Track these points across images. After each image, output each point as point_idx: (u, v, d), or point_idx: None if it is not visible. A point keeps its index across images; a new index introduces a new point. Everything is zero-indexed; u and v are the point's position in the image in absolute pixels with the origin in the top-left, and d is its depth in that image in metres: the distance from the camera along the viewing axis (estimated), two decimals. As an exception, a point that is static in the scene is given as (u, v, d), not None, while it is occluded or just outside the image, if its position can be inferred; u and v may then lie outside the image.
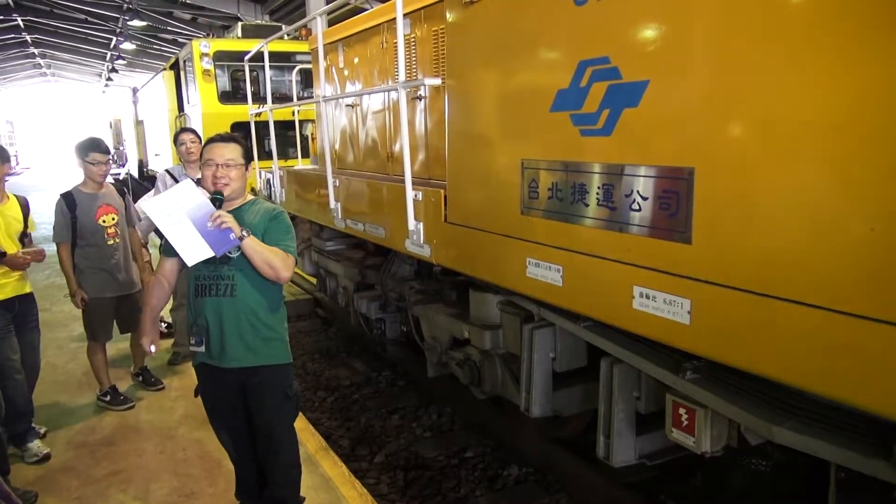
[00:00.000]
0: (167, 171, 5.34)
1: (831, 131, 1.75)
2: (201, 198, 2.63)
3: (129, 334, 4.82)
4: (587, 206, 2.55)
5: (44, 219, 4.50)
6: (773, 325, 1.91)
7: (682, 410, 2.49)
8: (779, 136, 1.87)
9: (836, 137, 1.74)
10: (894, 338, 1.62)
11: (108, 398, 4.61)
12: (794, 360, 1.88)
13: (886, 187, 1.63)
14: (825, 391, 1.85)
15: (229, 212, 2.69)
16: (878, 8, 1.64)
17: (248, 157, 2.85)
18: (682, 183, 2.13)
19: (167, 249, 2.77)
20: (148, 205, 2.67)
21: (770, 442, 2.28)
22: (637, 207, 2.32)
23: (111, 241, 4.41)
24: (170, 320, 6.48)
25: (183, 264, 2.72)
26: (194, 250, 2.60)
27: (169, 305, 6.05)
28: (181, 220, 2.60)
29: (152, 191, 5.49)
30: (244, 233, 2.59)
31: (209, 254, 2.60)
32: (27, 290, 3.97)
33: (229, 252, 2.65)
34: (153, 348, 2.86)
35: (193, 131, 5.27)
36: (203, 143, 2.81)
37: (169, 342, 6.13)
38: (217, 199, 2.65)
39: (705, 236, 2.09)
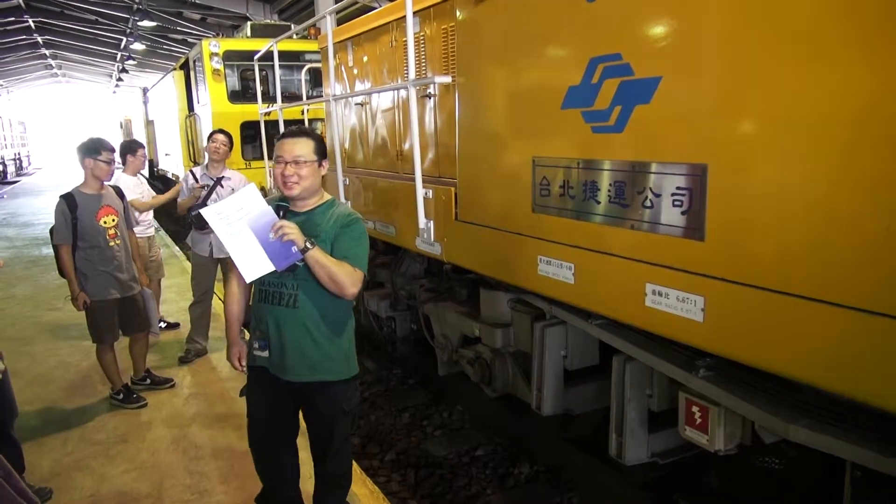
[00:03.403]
0: (191, 171, 5.38)
1: (845, 128, 1.74)
2: (264, 205, 2.45)
3: (127, 340, 4.81)
4: (599, 203, 2.54)
5: (53, 219, 4.54)
6: (787, 322, 1.90)
7: (695, 408, 2.48)
8: (792, 132, 1.86)
9: (850, 134, 1.73)
10: (912, 335, 1.60)
11: (120, 397, 4.63)
12: (809, 358, 1.87)
13: (904, 183, 1.61)
14: (840, 389, 1.83)
15: (302, 213, 2.56)
16: (891, 3, 1.62)
17: (322, 153, 2.58)
18: (695, 180, 2.12)
19: None
20: (208, 212, 2.47)
21: (784, 440, 2.27)
22: (649, 204, 2.31)
23: (112, 243, 4.41)
24: (170, 320, 6.52)
25: None
26: (254, 264, 2.42)
27: (183, 303, 6.09)
28: (241, 229, 2.41)
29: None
30: (308, 244, 2.37)
31: (269, 268, 2.42)
32: None
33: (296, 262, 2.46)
34: (241, 362, 2.75)
35: (228, 134, 5.35)
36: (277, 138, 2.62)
37: (171, 336, 6.18)
38: (281, 207, 2.48)
39: (719, 233, 2.08)
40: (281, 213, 2.47)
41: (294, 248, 2.38)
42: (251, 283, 2.66)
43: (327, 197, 2.67)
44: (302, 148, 2.51)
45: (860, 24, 1.70)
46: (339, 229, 2.52)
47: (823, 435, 2.01)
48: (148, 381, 4.95)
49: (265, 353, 2.61)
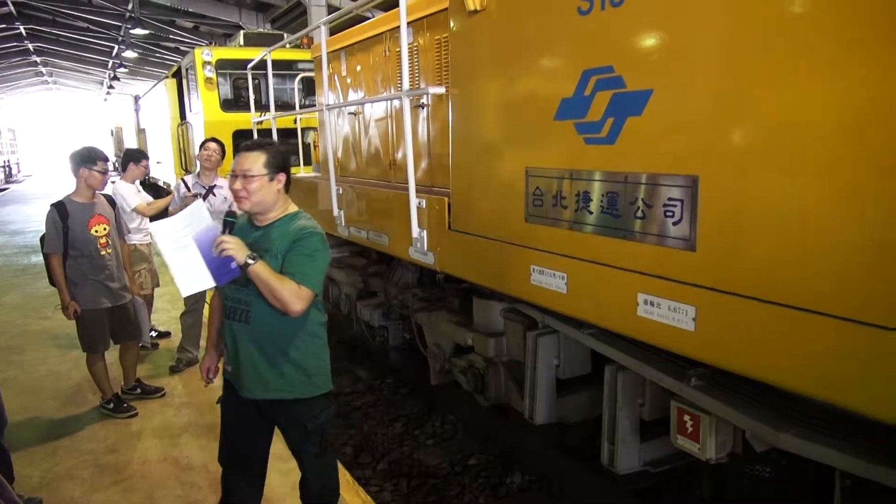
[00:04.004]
0: (182, 179, 5.38)
1: (835, 139, 1.77)
2: (209, 220, 2.47)
3: (117, 349, 4.79)
4: (591, 213, 2.56)
5: (44, 227, 4.52)
6: (777, 331, 1.92)
7: (686, 417, 2.49)
8: (782, 144, 1.89)
9: (839, 146, 1.76)
10: (899, 344, 1.63)
11: (111, 406, 4.60)
12: (799, 367, 1.89)
13: (891, 196, 1.64)
14: (831, 398, 1.85)
15: (261, 228, 2.55)
16: (879, 16, 1.65)
17: (277, 167, 2.52)
18: (686, 191, 2.15)
19: None
20: (155, 227, 2.49)
21: (775, 449, 2.29)
22: (641, 215, 2.33)
23: (103, 252, 4.40)
24: (161, 328, 6.50)
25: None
26: (194, 279, 2.40)
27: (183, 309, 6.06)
28: (187, 244, 2.41)
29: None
30: (249, 259, 2.32)
31: (210, 284, 2.41)
32: None
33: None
34: (208, 375, 2.82)
35: (220, 143, 5.37)
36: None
37: (162, 345, 6.15)
38: (229, 222, 2.46)
39: (710, 244, 2.11)
40: (227, 229, 2.45)
41: (233, 264, 2.36)
42: None
43: (292, 209, 2.63)
44: (250, 162, 2.48)
45: (849, 39, 1.73)
46: (290, 244, 2.47)
47: (813, 443, 2.03)
48: (138, 390, 4.92)
49: (230, 368, 2.63)
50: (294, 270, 2.41)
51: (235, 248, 2.33)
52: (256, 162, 2.48)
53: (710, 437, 2.42)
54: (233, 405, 2.73)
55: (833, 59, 1.76)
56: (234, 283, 2.49)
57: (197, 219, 2.46)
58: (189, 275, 2.40)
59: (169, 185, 13.55)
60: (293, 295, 2.37)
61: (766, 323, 1.94)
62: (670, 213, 2.22)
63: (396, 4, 3.57)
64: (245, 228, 2.61)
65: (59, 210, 4.29)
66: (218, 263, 2.38)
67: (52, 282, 4.39)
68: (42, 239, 4.36)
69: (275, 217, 2.57)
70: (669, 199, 2.22)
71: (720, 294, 2.07)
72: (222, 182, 5.37)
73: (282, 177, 2.55)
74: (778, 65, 1.88)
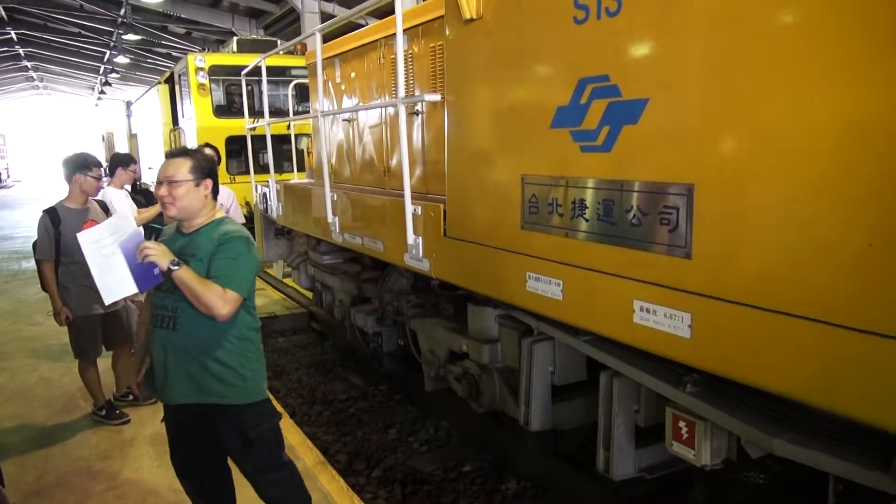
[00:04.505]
0: None
1: (828, 148, 1.79)
2: (133, 227, 2.48)
3: (110, 355, 4.76)
4: (587, 220, 2.58)
5: (33, 232, 4.51)
6: (772, 338, 1.94)
7: (682, 423, 2.51)
8: (776, 152, 1.91)
9: (832, 154, 1.78)
10: (891, 351, 1.65)
11: (103, 413, 4.57)
12: (794, 373, 1.91)
13: (883, 203, 1.66)
14: (824, 403, 1.87)
15: (188, 234, 2.57)
16: (871, 27, 1.68)
17: (202, 172, 2.55)
18: (681, 199, 2.17)
19: None
20: (85, 235, 2.46)
21: (770, 455, 2.30)
22: (637, 223, 2.35)
23: None
24: None
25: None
26: (116, 286, 2.39)
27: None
28: (113, 251, 2.40)
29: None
30: (172, 265, 2.34)
31: (132, 290, 2.39)
32: None
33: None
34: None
35: (215, 149, 5.36)
36: None
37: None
38: (155, 229, 2.47)
39: (705, 251, 2.13)
40: (153, 236, 2.47)
41: (156, 270, 2.38)
42: None
43: (218, 216, 2.64)
44: (175, 168, 2.49)
45: (840, 50, 1.76)
46: (215, 248, 2.48)
47: (807, 449, 2.05)
48: (131, 397, 4.89)
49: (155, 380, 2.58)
50: (219, 273, 2.42)
51: (158, 255, 2.34)
52: (181, 168, 2.50)
53: (706, 443, 2.44)
54: (172, 420, 2.70)
55: (825, 70, 1.79)
56: (160, 291, 2.51)
57: (123, 226, 2.47)
58: (111, 281, 2.40)
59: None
60: (218, 298, 2.37)
61: (761, 330, 1.96)
62: (666, 221, 2.24)
63: (391, 12, 3.59)
64: (173, 236, 2.65)
65: (52, 216, 4.27)
66: (142, 270, 2.39)
67: (45, 288, 4.37)
68: (34, 245, 4.34)
69: (201, 223, 2.58)
70: (665, 206, 2.24)
71: (716, 301, 2.09)
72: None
73: (208, 182, 2.58)
74: (771, 75, 1.91)
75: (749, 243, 2.00)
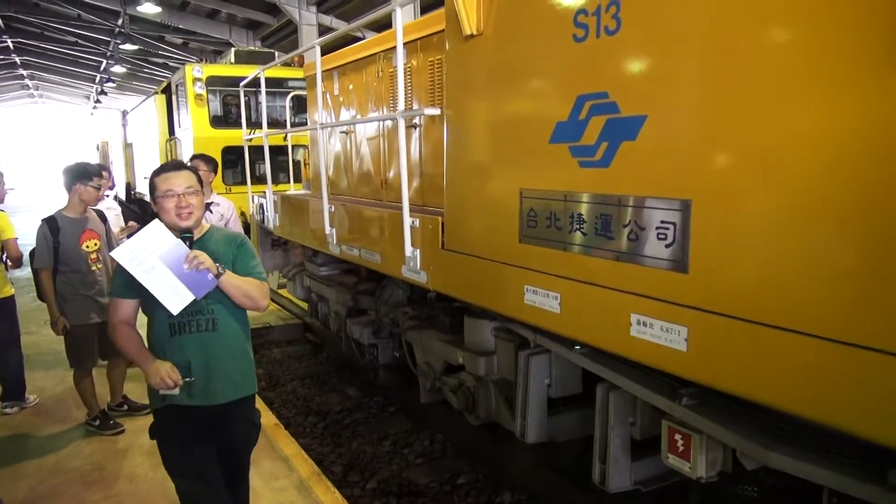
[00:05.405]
0: None
1: (823, 164, 1.83)
2: (172, 239, 2.52)
3: (105, 365, 4.76)
4: (585, 235, 2.61)
5: (29, 240, 4.50)
6: (767, 352, 1.97)
7: (677, 436, 2.52)
8: (772, 169, 1.95)
9: (827, 170, 1.82)
10: (886, 366, 1.68)
11: (97, 423, 4.56)
12: (789, 387, 1.94)
13: (878, 219, 1.70)
14: (819, 417, 1.90)
15: (195, 242, 2.63)
16: (866, 48, 1.73)
17: (201, 183, 2.78)
18: (679, 214, 2.20)
19: (121, 290, 2.63)
20: (118, 253, 2.52)
21: (765, 467, 2.32)
22: (634, 237, 2.38)
23: (94, 267, 4.40)
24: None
25: (143, 301, 2.60)
26: (177, 297, 2.48)
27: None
28: (155, 265, 2.46)
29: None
30: (220, 269, 2.52)
31: (190, 298, 2.50)
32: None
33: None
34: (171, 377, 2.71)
35: (212, 160, 5.36)
36: (152, 174, 2.68)
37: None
38: (187, 238, 2.55)
39: (701, 266, 2.16)
40: (188, 243, 2.54)
41: (210, 276, 2.50)
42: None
43: (206, 224, 2.81)
44: (188, 179, 2.64)
45: (836, 67, 1.80)
46: (235, 250, 2.71)
47: (803, 462, 2.08)
48: (125, 407, 4.88)
49: (176, 391, 2.52)
50: (251, 271, 2.69)
51: (209, 262, 2.49)
52: (191, 179, 2.67)
53: (701, 455, 2.45)
54: (183, 430, 2.64)
55: (820, 87, 1.83)
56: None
57: (159, 239, 2.51)
58: (170, 293, 2.49)
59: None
60: (261, 291, 2.67)
61: (757, 344, 1.99)
62: (663, 236, 2.27)
63: (389, 26, 3.63)
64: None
65: (51, 225, 4.29)
66: (193, 278, 2.49)
67: (42, 296, 4.37)
68: (32, 253, 4.34)
69: (201, 231, 2.74)
70: (662, 221, 2.27)
71: (712, 315, 2.12)
72: (218, 199, 5.38)
73: (202, 192, 2.77)
74: (769, 91, 1.95)
75: (745, 258, 2.03)
